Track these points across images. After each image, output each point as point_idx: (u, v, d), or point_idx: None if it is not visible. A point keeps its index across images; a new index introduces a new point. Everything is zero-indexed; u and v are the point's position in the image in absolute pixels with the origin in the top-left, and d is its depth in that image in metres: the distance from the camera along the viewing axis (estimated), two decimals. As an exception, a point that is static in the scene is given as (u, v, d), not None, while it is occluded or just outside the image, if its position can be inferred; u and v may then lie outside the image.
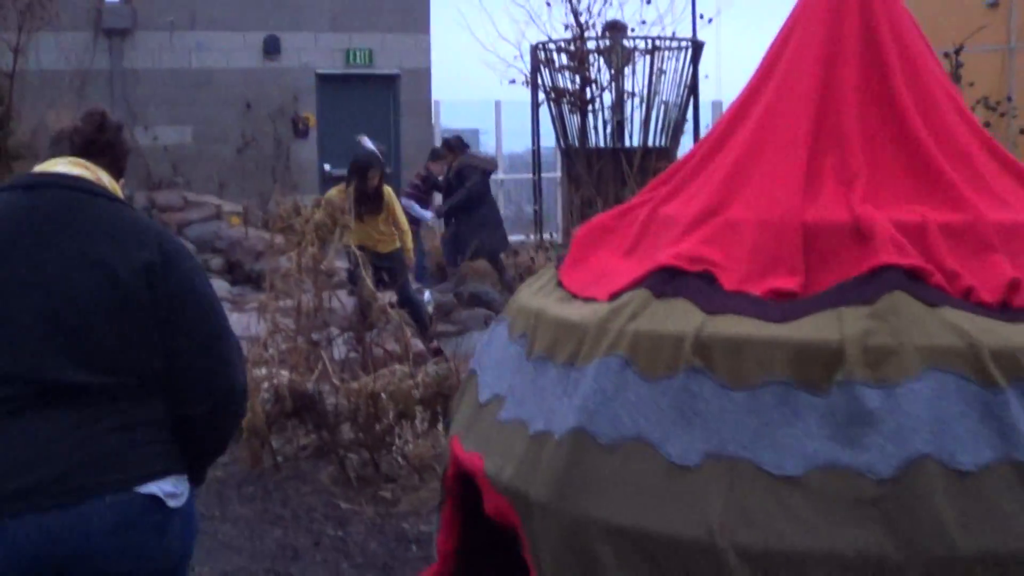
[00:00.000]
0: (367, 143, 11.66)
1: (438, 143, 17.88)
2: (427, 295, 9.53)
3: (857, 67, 2.94)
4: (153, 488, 2.44)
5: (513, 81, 14.47)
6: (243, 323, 8.62)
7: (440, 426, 6.09)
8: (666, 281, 2.61)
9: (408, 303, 9.13)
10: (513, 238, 18.40)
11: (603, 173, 13.62)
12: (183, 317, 2.49)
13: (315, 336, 7.07)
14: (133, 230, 2.52)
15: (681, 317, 2.51)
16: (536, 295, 2.96)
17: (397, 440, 6.16)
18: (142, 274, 2.44)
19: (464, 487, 2.98)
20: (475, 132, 22.90)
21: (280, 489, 5.97)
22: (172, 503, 2.48)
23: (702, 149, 3.09)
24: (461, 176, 12.57)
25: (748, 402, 2.37)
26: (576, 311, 2.71)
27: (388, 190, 9.89)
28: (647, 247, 2.89)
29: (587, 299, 2.78)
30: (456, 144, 13.36)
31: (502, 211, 19.29)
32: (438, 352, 8.11)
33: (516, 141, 19.31)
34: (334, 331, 7.32)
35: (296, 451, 6.43)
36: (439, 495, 5.64)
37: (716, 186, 2.83)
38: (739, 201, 2.77)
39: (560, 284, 2.95)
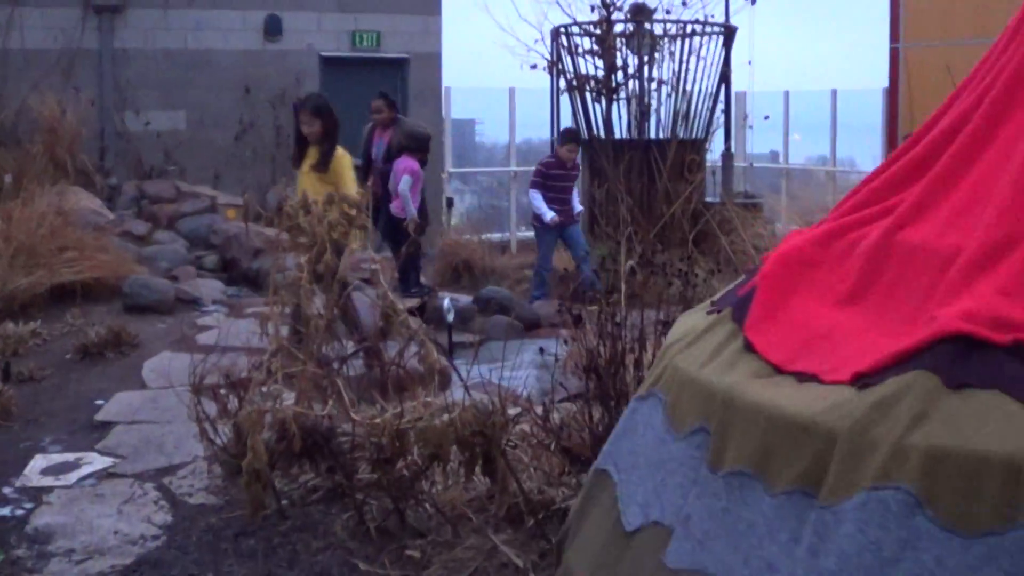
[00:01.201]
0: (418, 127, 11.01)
1: (448, 131, 16.91)
2: (447, 302, 8.52)
3: None
4: None
5: (534, 66, 13.55)
6: (238, 332, 7.56)
7: (478, 469, 5.10)
8: (961, 359, 1.60)
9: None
10: (525, 235, 17.42)
11: (630, 166, 12.73)
12: None
13: (325, 351, 6.10)
14: None
15: (1005, 427, 1.50)
16: (712, 364, 1.92)
17: (425, 485, 5.17)
18: None
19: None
20: (471, 122, 21.97)
21: (287, 543, 4.99)
22: None
23: (942, 150, 2.08)
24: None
25: None
26: (798, 400, 1.69)
27: (342, 153, 8.11)
28: (885, 292, 1.88)
29: (804, 376, 1.77)
30: (392, 104, 12.07)
31: (512, 204, 18.33)
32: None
33: (529, 131, 18.48)
34: (349, 346, 6.32)
35: (305, 494, 5.45)
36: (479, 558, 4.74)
37: (1001, 207, 1.82)
38: (1046, 228, 1.77)
39: (750, 346, 1.93)
